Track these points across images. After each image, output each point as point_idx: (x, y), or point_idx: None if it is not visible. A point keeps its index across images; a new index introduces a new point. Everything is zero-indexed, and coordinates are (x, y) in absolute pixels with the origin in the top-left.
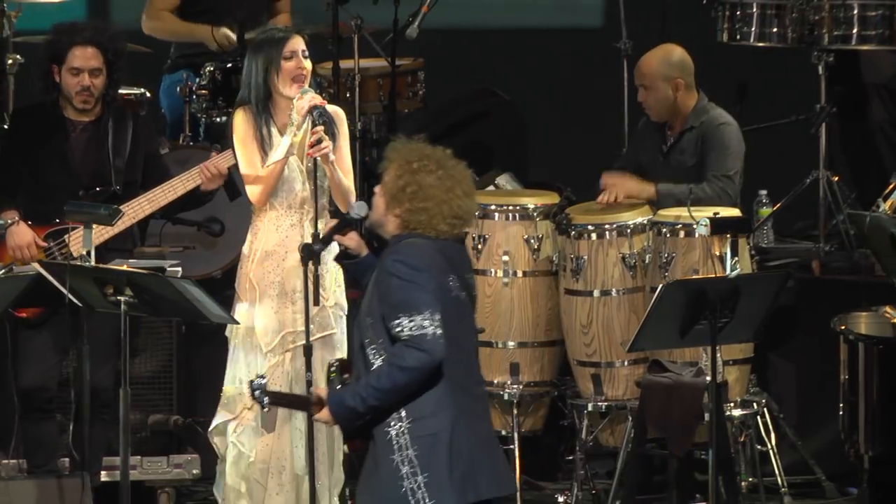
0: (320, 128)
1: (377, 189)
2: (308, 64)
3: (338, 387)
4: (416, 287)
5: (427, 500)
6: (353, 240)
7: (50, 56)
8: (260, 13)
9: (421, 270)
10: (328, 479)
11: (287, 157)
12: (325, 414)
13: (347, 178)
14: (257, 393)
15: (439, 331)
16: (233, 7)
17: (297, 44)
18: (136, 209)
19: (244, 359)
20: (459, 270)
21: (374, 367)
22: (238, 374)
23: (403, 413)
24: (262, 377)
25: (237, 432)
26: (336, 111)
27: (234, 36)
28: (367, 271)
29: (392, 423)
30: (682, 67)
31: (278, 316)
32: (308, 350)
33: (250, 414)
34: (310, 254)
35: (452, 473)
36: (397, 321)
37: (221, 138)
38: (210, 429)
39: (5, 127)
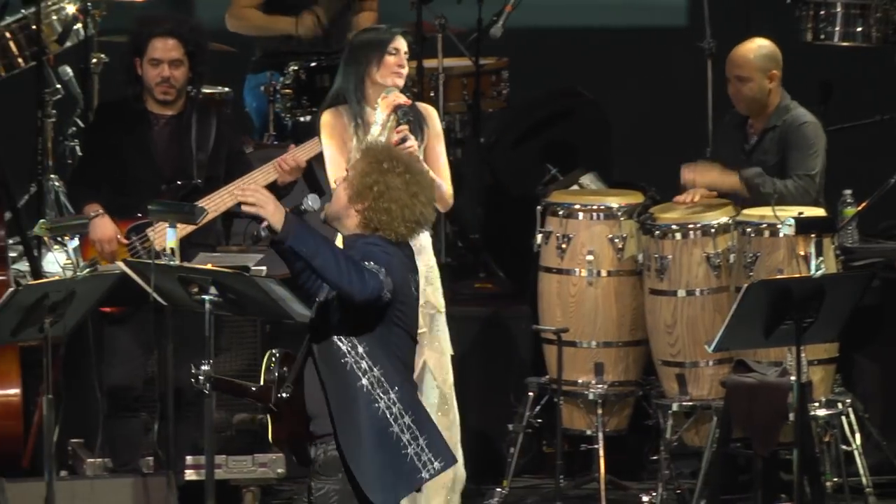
0: (405, 126)
1: (339, 181)
2: (406, 65)
3: (275, 374)
4: (384, 262)
5: (433, 461)
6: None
7: (132, 49)
8: (343, 10)
9: (391, 255)
10: (451, 478)
11: None
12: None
13: (441, 176)
14: (202, 378)
15: (388, 289)
16: (316, 2)
17: (402, 43)
18: (218, 202)
19: None
20: (414, 272)
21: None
22: None
23: (387, 385)
24: (207, 363)
25: None
26: (426, 109)
27: (316, 23)
28: (297, 259)
29: (380, 398)
30: (777, 60)
31: None
32: None
33: None
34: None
35: (440, 433)
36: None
37: (305, 138)
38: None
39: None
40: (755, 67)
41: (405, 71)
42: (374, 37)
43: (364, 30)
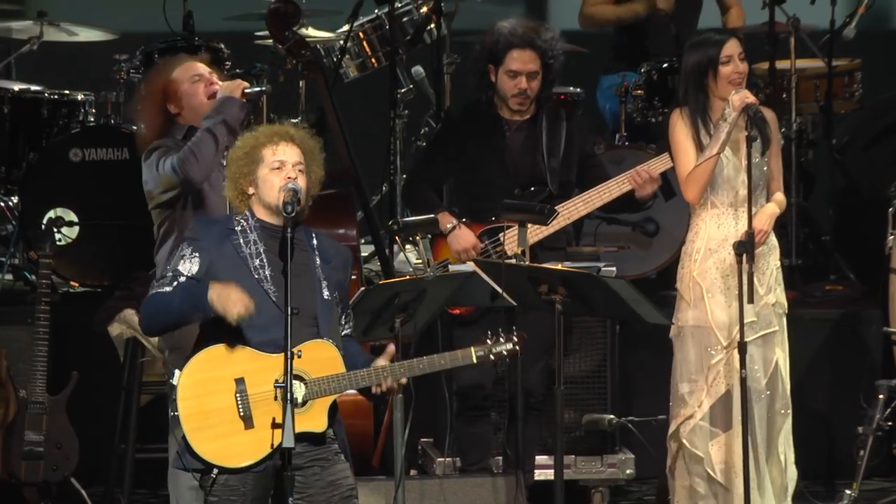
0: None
1: (298, 174)
2: (744, 66)
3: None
4: None
5: None
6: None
7: (487, 56)
8: (692, 7)
9: None
10: (780, 479)
11: (719, 153)
12: None
13: (775, 180)
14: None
15: None
16: None
17: (733, 48)
18: (571, 210)
19: (694, 356)
20: None
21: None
22: (690, 373)
23: None
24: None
25: (689, 432)
26: (768, 112)
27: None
28: None
29: None
30: None
31: (728, 312)
32: (742, 347)
33: (700, 413)
34: (744, 248)
35: None
36: None
37: (658, 139)
38: (669, 433)
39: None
40: None
41: (743, 74)
42: (703, 47)
43: (692, 41)
